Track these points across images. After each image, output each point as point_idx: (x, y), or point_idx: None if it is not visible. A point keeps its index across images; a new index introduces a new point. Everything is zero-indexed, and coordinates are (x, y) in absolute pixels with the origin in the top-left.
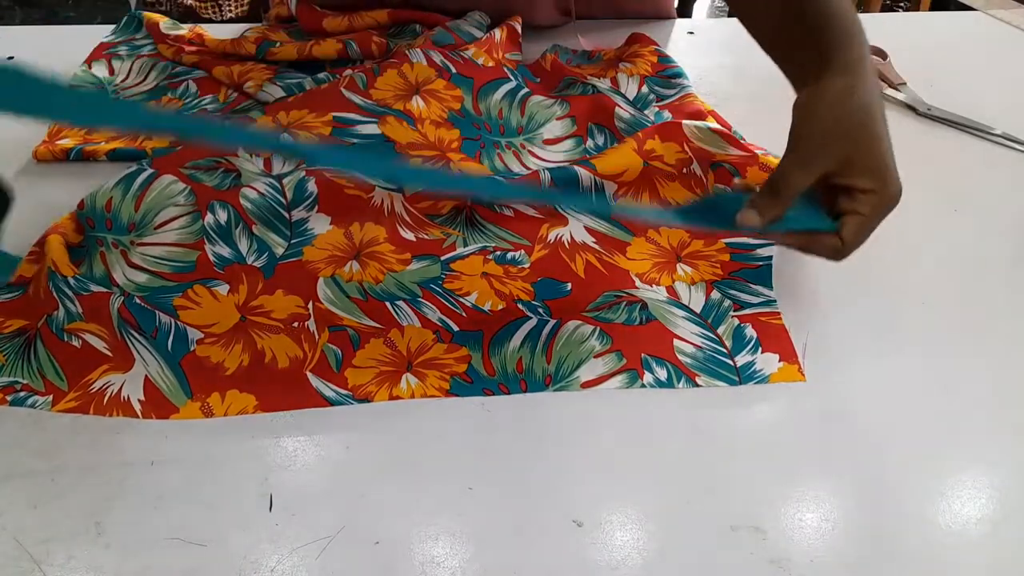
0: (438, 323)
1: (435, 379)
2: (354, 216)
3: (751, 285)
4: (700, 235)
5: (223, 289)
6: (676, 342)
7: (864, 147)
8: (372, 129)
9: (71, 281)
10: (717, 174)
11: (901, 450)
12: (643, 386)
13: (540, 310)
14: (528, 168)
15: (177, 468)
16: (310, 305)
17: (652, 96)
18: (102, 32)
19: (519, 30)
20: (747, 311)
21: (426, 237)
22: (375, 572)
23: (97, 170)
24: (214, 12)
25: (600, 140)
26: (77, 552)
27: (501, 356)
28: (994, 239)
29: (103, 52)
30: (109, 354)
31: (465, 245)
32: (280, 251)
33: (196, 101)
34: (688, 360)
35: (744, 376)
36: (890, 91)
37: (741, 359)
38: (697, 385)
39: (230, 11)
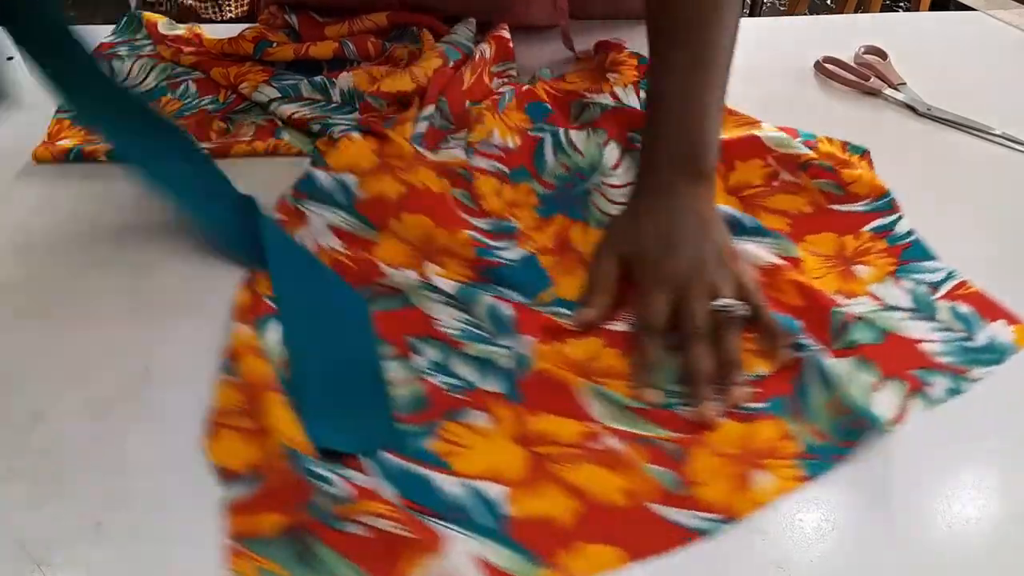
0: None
1: (785, 469)
2: (564, 335)
3: (923, 263)
4: (840, 230)
5: (482, 420)
6: (924, 345)
7: None
8: (515, 253)
9: (325, 460)
10: (809, 173)
11: (900, 449)
12: (934, 401)
13: (800, 342)
14: (612, 200)
15: (178, 468)
16: (593, 426)
17: None
18: (102, 32)
19: (508, 36)
20: (942, 290)
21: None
22: None
23: (97, 170)
24: (214, 12)
25: None
26: (77, 552)
27: (810, 414)
28: (994, 239)
29: (103, 52)
30: (411, 535)
31: None
32: (508, 363)
33: (196, 101)
34: (948, 358)
35: (997, 352)
36: (890, 91)
37: (981, 337)
38: (974, 380)
39: (230, 11)
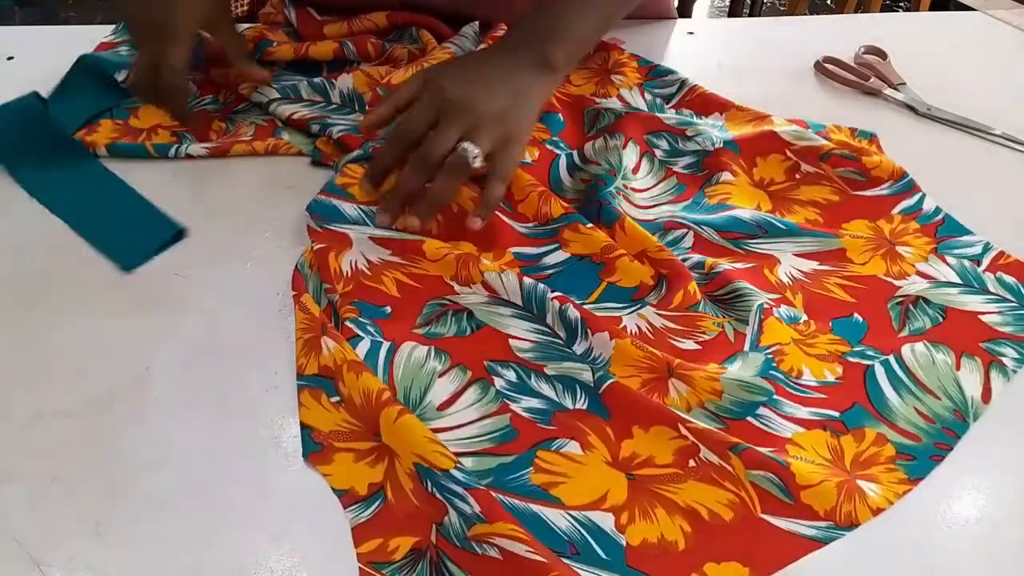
0: (812, 417)
1: (888, 474)
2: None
3: (960, 238)
4: (871, 216)
5: (573, 448)
6: (983, 318)
7: None
8: (559, 256)
9: (458, 475)
10: (830, 163)
11: None
12: (1009, 372)
13: (868, 352)
14: (637, 204)
15: (177, 468)
16: (682, 428)
17: (658, 100)
18: (102, 32)
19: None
20: (985, 262)
21: (707, 337)
22: None
23: None
24: None
25: (664, 144)
26: (77, 552)
27: (891, 415)
28: (994, 240)
29: (103, 52)
30: (542, 559)
31: (735, 327)
32: (588, 376)
33: (196, 101)
34: (1008, 328)
35: None
36: (890, 91)
37: None
38: None
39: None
